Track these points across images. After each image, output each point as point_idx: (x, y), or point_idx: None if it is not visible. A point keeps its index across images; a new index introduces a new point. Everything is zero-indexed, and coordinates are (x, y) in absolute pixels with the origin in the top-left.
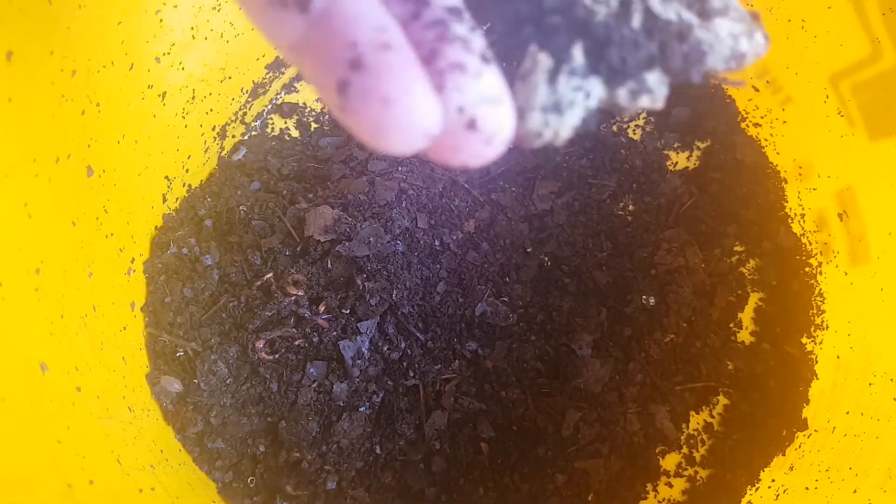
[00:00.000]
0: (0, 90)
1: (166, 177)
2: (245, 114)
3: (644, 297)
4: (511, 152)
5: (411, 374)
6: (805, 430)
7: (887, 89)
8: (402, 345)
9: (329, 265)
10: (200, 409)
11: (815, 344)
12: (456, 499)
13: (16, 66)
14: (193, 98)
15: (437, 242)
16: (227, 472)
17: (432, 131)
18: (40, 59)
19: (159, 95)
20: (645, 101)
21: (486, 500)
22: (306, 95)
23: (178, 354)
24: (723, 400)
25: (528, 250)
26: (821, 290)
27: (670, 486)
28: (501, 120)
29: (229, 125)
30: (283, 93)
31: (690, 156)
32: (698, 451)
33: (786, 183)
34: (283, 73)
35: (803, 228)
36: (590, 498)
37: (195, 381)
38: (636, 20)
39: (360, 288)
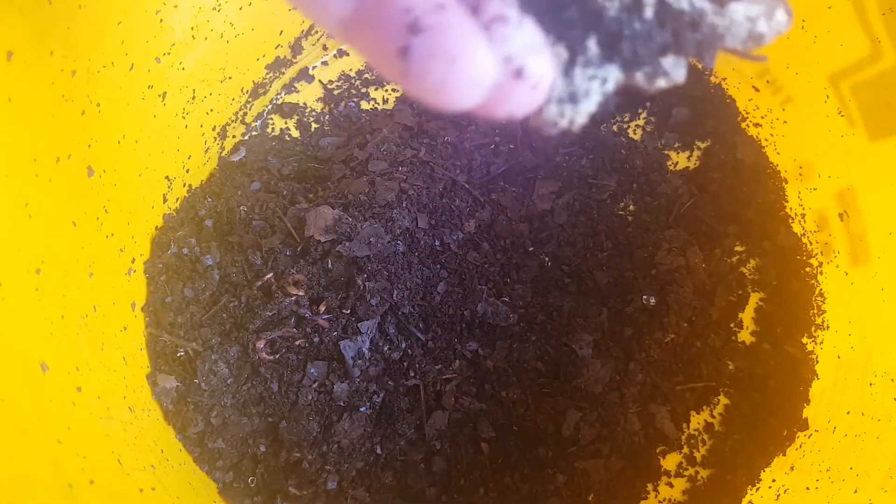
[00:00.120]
0: (0, 90)
1: (167, 177)
2: (245, 114)
3: (644, 297)
4: (511, 152)
5: (412, 374)
6: (806, 430)
7: (887, 89)
8: (403, 345)
9: (329, 265)
10: (201, 409)
11: (816, 344)
12: (456, 499)
13: (16, 66)
14: (194, 98)
15: (437, 242)
16: (228, 473)
17: (492, 82)
18: (40, 59)
19: (159, 95)
20: (662, 83)
21: (487, 501)
22: (306, 95)
23: (178, 354)
24: (723, 400)
25: (529, 250)
26: (821, 290)
27: (671, 486)
28: (544, 66)
29: (229, 125)
30: (283, 93)
31: (691, 156)
32: (699, 451)
33: (786, 183)
34: (284, 74)
35: (804, 228)
36: (590, 498)
37: (196, 381)
38: (649, 12)
39: (361, 288)
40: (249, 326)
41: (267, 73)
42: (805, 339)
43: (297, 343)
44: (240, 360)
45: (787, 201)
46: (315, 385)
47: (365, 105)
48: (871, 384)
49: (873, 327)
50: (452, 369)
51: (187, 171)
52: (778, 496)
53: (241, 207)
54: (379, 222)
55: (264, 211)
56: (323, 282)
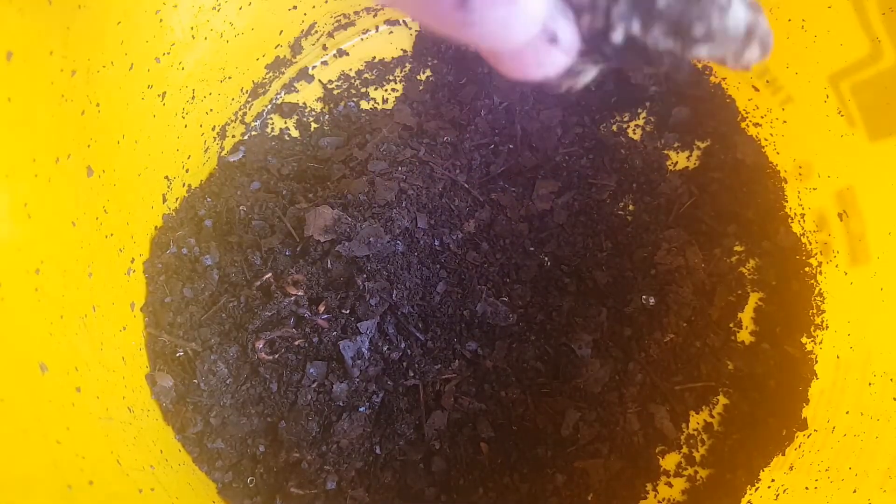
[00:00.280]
0: (0, 90)
1: (166, 177)
2: (245, 114)
3: (644, 296)
4: (511, 152)
5: (411, 374)
6: (805, 429)
7: (887, 89)
8: (402, 345)
9: (329, 265)
10: (200, 410)
11: (815, 344)
12: (456, 499)
13: (16, 66)
14: (193, 98)
15: (437, 242)
16: (227, 473)
17: (542, 18)
18: (40, 59)
19: (159, 95)
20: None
21: (486, 500)
22: (306, 95)
23: (177, 354)
24: (723, 400)
25: (528, 250)
26: (821, 289)
27: (670, 485)
28: (573, 32)
29: (229, 125)
30: (282, 92)
31: (690, 156)
32: (698, 451)
33: (786, 183)
34: (283, 73)
35: (803, 228)
36: (589, 498)
37: (195, 381)
38: (618, 37)
39: (360, 288)
40: (249, 326)
41: (266, 73)
42: (804, 339)
43: (296, 343)
44: (239, 360)
45: (787, 201)
46: (314, 385)
47: (364, 105)
48: (870, 384)
49: (872, 327)
50: (452, 369)
51: (187, 170)
52: (777, 496)
53: (241, 207)
54: (378, 222)
55: (264, 211)
56: (322, 282)
